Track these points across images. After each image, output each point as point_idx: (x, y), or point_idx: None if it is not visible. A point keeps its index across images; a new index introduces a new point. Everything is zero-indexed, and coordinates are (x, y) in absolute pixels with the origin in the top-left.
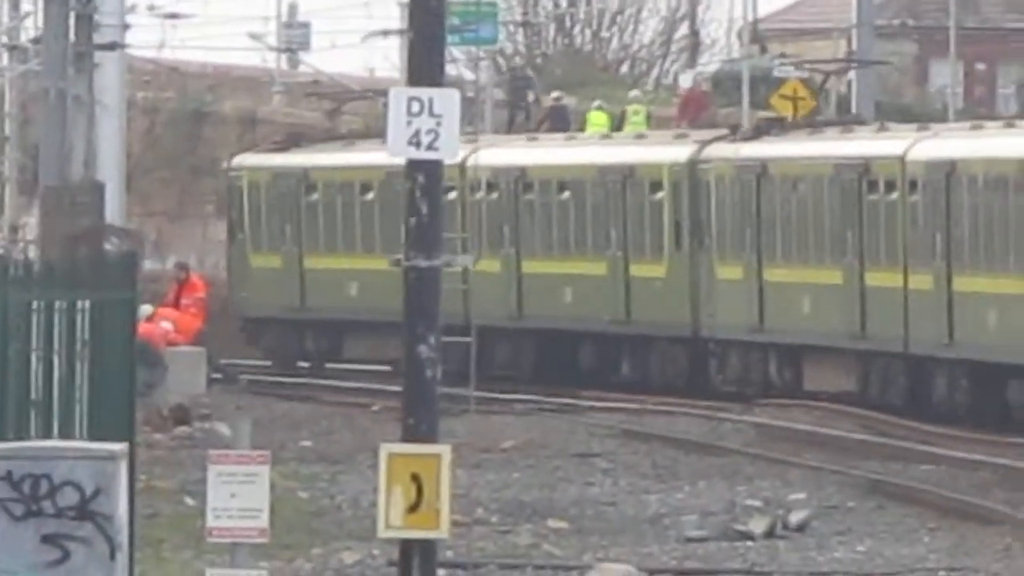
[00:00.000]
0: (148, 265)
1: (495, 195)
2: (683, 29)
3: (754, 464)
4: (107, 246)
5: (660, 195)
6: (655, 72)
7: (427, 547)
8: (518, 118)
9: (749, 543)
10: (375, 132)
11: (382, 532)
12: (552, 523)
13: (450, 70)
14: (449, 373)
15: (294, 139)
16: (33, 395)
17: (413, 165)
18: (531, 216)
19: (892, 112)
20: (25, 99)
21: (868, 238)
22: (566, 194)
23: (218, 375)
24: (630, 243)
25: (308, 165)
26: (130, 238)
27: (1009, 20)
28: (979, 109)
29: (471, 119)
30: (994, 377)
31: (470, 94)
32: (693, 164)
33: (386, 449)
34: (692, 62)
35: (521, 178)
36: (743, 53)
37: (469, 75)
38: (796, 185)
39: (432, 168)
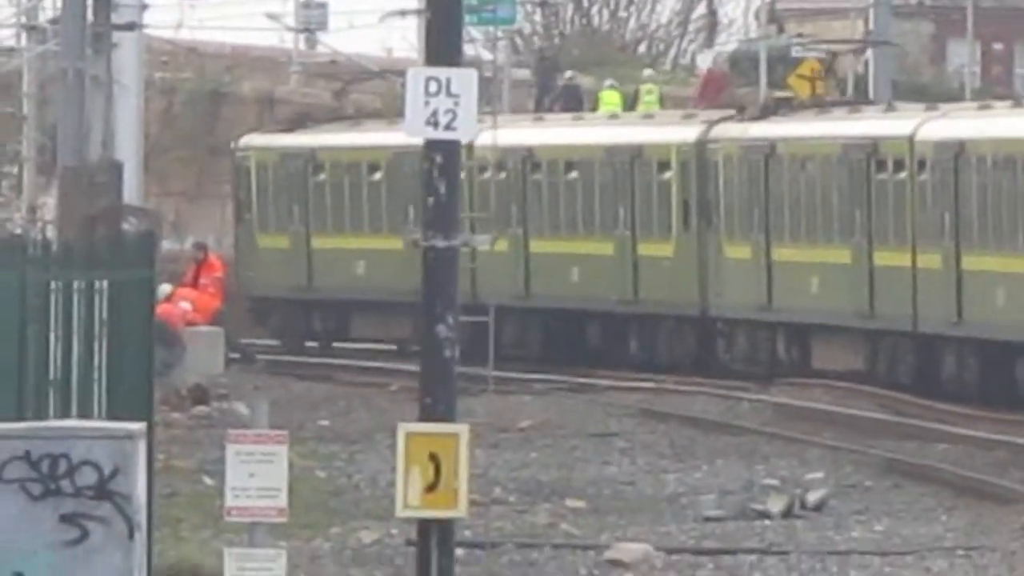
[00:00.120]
0: (166, 245)
1: (503, 175)
2: (701, 9)
3: (771, 443)
4: (125, 226)
5: (668, 175)
6: (672, 52)
7: (445, 526)
8: (546, 100)
9: (766, 522)
10: (393, 112)
11: (400, 511)
12: (570, 503)
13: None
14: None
15: (301, 119)
16: (52, 375)
17: (431, 145)
18: (539, 196)
19: (909, 92)
20: (43, 79)
21: (876, 217)
22: (574, 174)
23: (236, 355)
24: (638, 223)
25: (315, 145)
26: (148, 218)
27: None
28: (996, 89)
29: (489, 99)
30: (1003, 355)
31: (488, 74)
32: (701, 144)
33: (404, 429)
34: (710, 42)
35: (529, 158)
36: (760, 33)
37: (487, 55)
38: (804, 165)
39: (450, 148)
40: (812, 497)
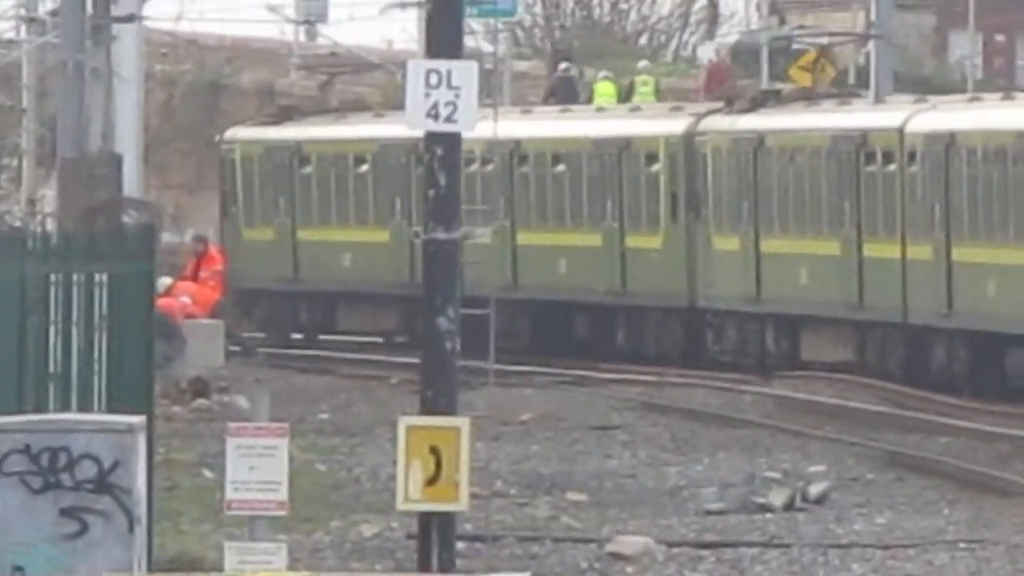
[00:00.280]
0: (166, 238)
1: (489, 167)
2: (702, 1)
3: (773, 436)
4: (125, 219)
5: (656, 167)
6: (674, 44)
7: (446, 520)
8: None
9: (768, 515)
10: (393, 104)
11: (401, 505)
12: (571, 496)
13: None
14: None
15: (287, 112)
16: (51, 368)
17: (431, 137)
18: (526, 188)
19: (911, 83)
20: (43, 71)
21: (866, 209)
22: (561, 166)
23: (236, 348)
24: (626, 215)
25: (301, 138)
26: (148, 210)
27: None
28: (998, 80)
29: (489, 91)
30: (993, 346)
31: (488, 66)
32: (690, 136)
33: (405, 422)
34: (711, 34)
35: (516, 150)
36: (762, 24)
37: (488, 47)
38: (793, 157)
39: (450, 140)
40: (814, 490)
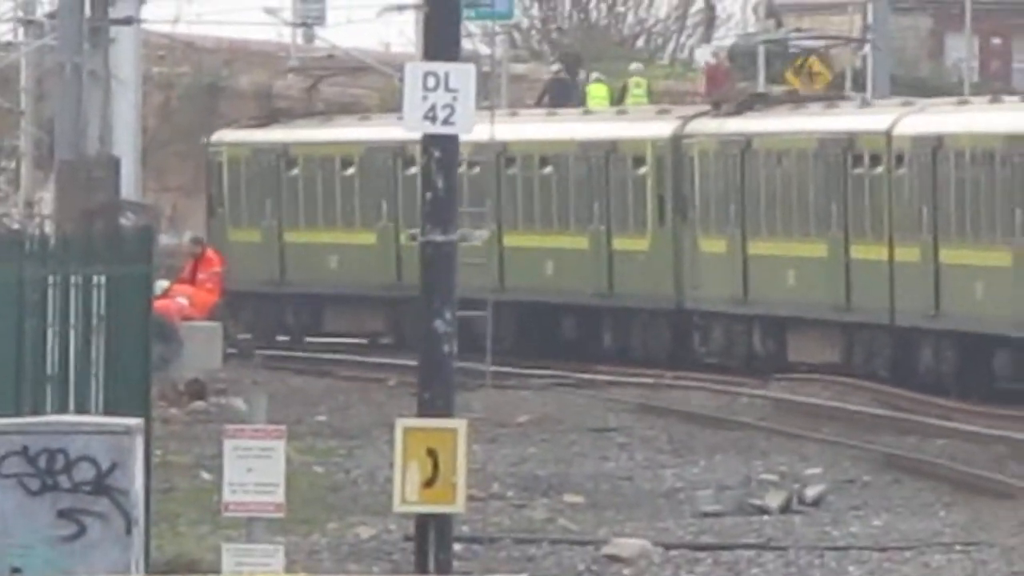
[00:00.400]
0: (164, 240)
1: (476, 170)
2: (699, 3)
3: (770, 439)
4: (123, 221)
5: (643, 170)
6: (671, 47)
7: (443, 522)
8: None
9: (765, 517)
10: (390, 107)
11: (398, 507)
12: (568, 498)
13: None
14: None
15: (273, 115)
16: (49, 370)
17: (429, 140)
18: (513, 190)
19: (907, 86)
20: (41, 74)
21: (853, 211)
22: (548, 169)
23: (233, 350)
24: (613, 217)
25: (288, 140)
26: (146, 213)
27: None
28: (995, 83)
29: (487, 94)
30: (980, 348)
31: (486, 69)
32: (677, 139)
33: (402, 424)
34: (708, 37)
35: (503, 153)
36: (759, 27)
37: (485, 50)
38: (780, 160)
39: (448, 143)
40: (810, 492)
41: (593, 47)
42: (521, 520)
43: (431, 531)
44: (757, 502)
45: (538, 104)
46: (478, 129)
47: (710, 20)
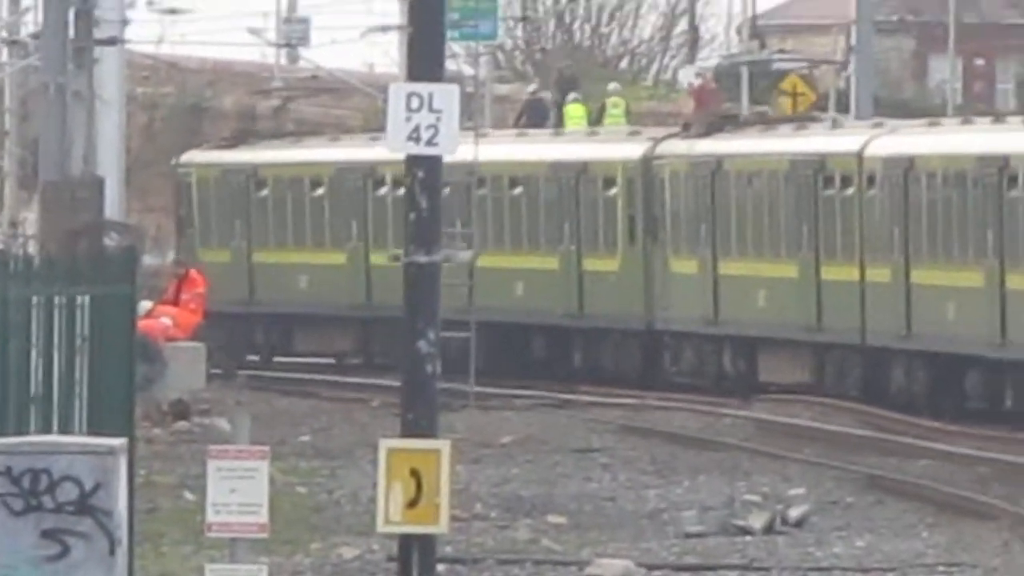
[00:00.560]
0: (147, 260)
1: (446, 190)
2: (682, 24)
3: (753, 459)
4: (107, 241)
5: (614, 191)
6: (654, 68)
7: (426, 542)
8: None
9: (748, 538)
10: (374, 127)
11: (381, 527)
12: (551, 518)
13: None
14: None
15: (243, 135)
16: (33, 390)
17: (413, 161)
18: (483, 211)
19: (891, 107)
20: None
21: (824, 232)
22: (519, 189)
23: (217, 370)
24: (583, 238)
25: (257, 161)
26: (130, 233)
27: (1008, 16)
28: (978, 105)
29: (471, 115)
30: (952, 368)
31: (470, 89)
32: (647, 160)
33: (385, 444)
34: (691, 58)
35: (474, 173)
36: (742, 48)
37: (469, 70)
38: (751, 181)
39: (432, 164)
40: (793, 513)
41: (577, 68)
42: (504, 541)
43: (414, 552)
44: (740, 523)
45: (516, 124)
46: (461, 149)
47: (694, 41)
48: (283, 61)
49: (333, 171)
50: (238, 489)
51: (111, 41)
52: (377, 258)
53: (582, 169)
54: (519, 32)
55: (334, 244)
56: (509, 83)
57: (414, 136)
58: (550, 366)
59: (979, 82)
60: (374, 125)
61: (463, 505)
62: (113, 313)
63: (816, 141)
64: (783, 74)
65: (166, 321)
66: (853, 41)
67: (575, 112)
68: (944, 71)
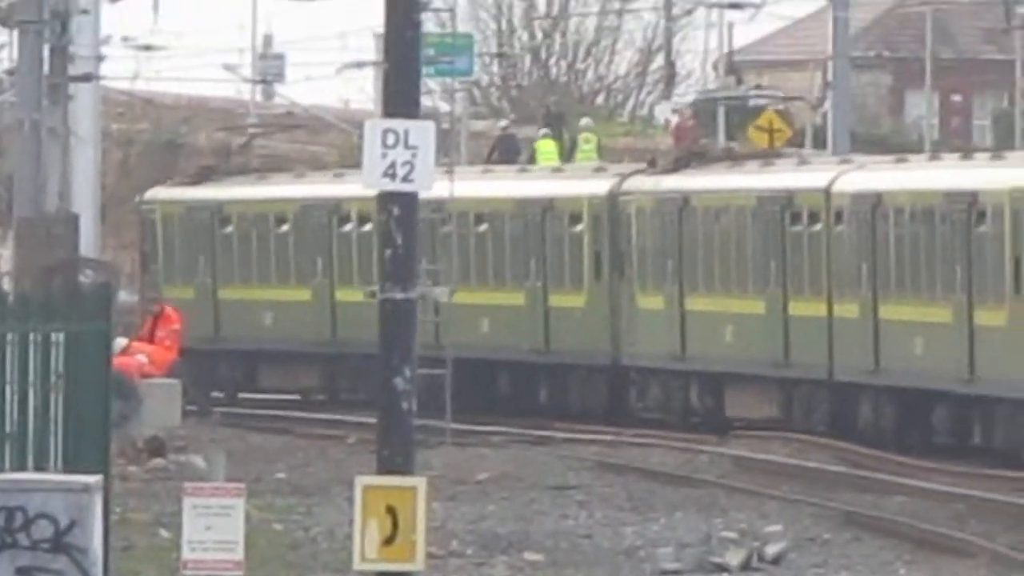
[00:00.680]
0: (123, 297)
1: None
2: (659, 60)
3: (730, 496)
4: (81, 278)
5: (580, 227)
6: (631, 103)
7: None
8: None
9: (725, 575)
10: (349, 163)
11: (357, 564)
12: (528, 555)
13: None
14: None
15: (207, 172)
16: (8, 427)
17: (388, 197)
18: (448, 247)
19: (867, 143)
20: None
21: (791, 268)
22: (484, 226)
23: (192, 407)
24: (549, 274)
25: (222, 198)
26: (105, 270)
27: (985, 52)
28: (955, 140)
29: (447, 151)
30: (920, 403)
31: (445, 126)
32: (613, 196)
33: (361, 481)
34: (668, 93)
35: (439, 209)
36: (719, 84)
37: (445, 107)
38: (719, 217)
39: (407, 200)
40: (771, 550)
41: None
42: None
43: None
44: (717, 560)
45: (488, 160)
46: (437, 186)
47: (670, 77)
48: (258, 97)
49: (298, 207)
50: (214, 526)
51: (86, 77)
52: (343, 294)
53: (548, 205)
54: (495, 68)
55: (299, 280)
56: (485, 119)
57: (390, 172)
58: (516, 402)
59: (956, 118)
60: (350, 161)
61: (439, 542)
62: (88, 350)
63: (783, 177)
64: (759, 110)
65: (141, 358)
66: (830, 77)
67: (546, 147)
68: (921, 107)
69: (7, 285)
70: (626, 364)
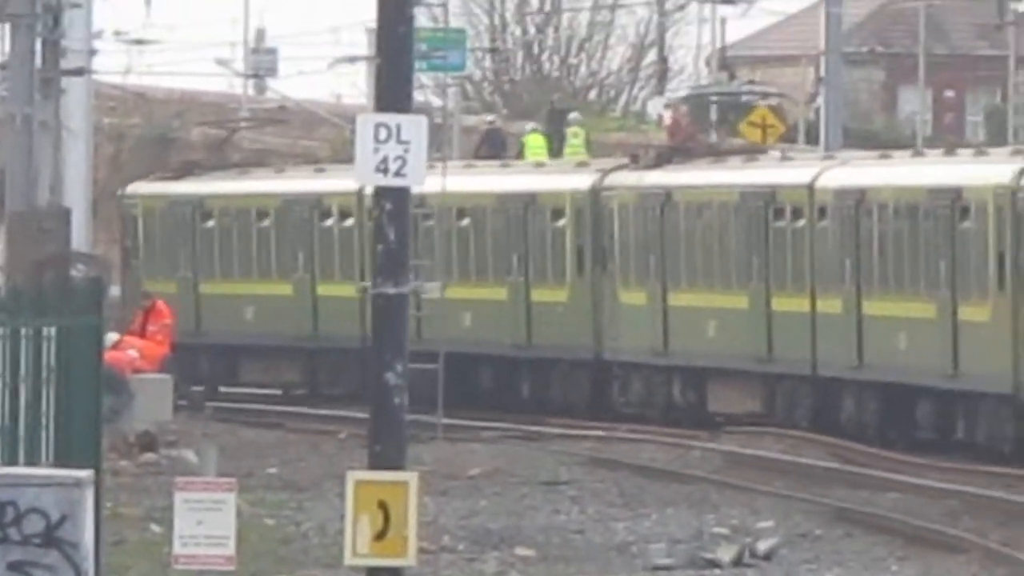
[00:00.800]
0: (114, 291)
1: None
2: (651, 56)
3: (722, 492)
4: (73, 272)
5: (562, 222)
6: (623, 99)
7: (394, 575)
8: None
9: (717, 571)
10: (342, 158)
11: (349, 560)
12: (519, 551)
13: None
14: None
15: (188, 167)
16: None
17: (381, 192)
18: (430, 242)
19: (860, 139)
20: None
21: (775, 264)
22: (466, 221)
23: (183, 402)
24: (532, 269)
25: (203, 193)
26: (96, 264)
27: (978, 47)
28: (948, 136)
29: (439, 145)
30: (903, 398)
31: (438, 120)
32: (596, 192)
33: (353, 476)
34: (660, 89)
35: (420, 204)
36: (711, 80)
37: (437, 101)
38: (701, 212)
39: (399, 195)
40: (762, 546)
41: (545, 99)
42: (472, 573)
43: None
44: (709, 556)
45: (475, 155)
46: (429, 181)
47: (663, 72)
48: (251, 92)
49: (279, 202)
50: (205, 521)
51: (78, 71)
52: (324, 289)
53: (530, 200)
54: (488, 63)
55: (280, 275)
56: (477, 114)
57: (382, 167)
58: (499, 397)
59: (949, 114)
60: (342, 156)
61: (431, 537)
62: (80, 344)
63: (767, 173)
64: (752, 106)
65: (133, 353)
66: (823, 72)
67: (535, 142)
68: (914, 103)
69: None
70: (608, 359)
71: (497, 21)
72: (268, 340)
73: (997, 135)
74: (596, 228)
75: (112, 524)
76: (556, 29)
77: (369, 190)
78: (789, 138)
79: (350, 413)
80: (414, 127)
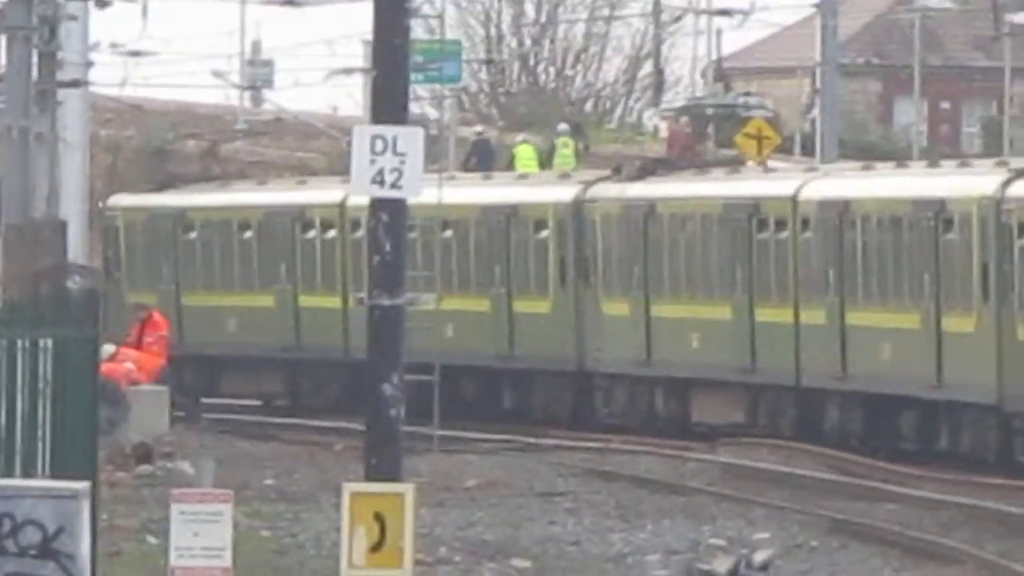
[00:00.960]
0: None
1: None
2: (647, 67)
3: (718, 503)
4: (70, 284)
5: (545, 233)
6: (619, 110)
7: None
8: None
9: None
10: (338, 170)
11: (345, 571)
12: (516, 562)
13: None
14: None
15: (170, 180)
16: None
17: (377, 203)
18: (413, 253)
19: (856, 150)
20: None
21: (758, 275)
22: (449, 232)
23: (180, 413)
24: (514, 280)
25: (185, 205)
26: (92, 276)
27: (974, 59)
28: (943, 147)
29: (435, 157)
30: (887, 409)
31: (434, 132)
32: (578, 203)
33: (349, 488)
34: (656, 100)
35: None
36: (707, 91)
37: (433, 113)
38: (684, 224)
39: (396, 206)
40: (758, 557)
41: (541, 111)
42: None
43: None
44: (705, 567)
45: (465, 166)
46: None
47: (659, 84)
48: (247, 104)
49: (261, 214)
50: (201, 533)
51: (74, 83)
52: (306, 300)
53: (513, 212)
54: (483, 75)
55: (262, 286)
56: (473, 126)
57: (378, 179)
58: (481, 407)
59: (945, 125)
60: (338, 168)
61: (427, 549)
62: (76, 356)
63: (750, 185)
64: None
65: (129, 365)
66: (818, 84)
67: (525, 153)
68: (910, 114)
69: None
70: (591, 370)
71: (493, 33)
72: (250, 351)
73: (993, 146)
74: (579, 239)
75: (108, 536)
76: (552, 41)
77: (352, 201)
78: (785, 149)
79: (347, 425)
80: (410, 139)
